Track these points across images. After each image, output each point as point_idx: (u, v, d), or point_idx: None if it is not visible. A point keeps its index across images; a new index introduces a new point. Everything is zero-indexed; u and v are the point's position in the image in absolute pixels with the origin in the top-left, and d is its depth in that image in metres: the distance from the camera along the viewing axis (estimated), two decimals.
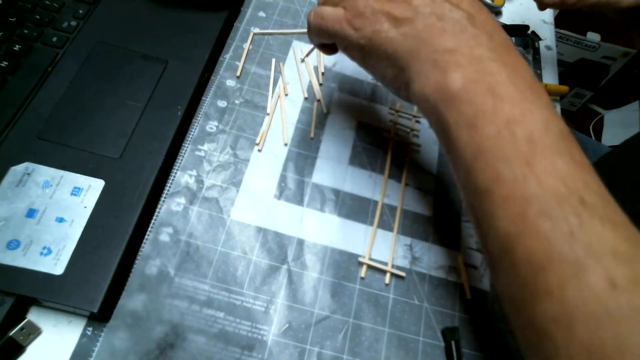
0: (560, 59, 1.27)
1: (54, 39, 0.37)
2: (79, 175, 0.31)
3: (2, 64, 0.34)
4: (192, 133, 0.36)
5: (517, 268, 0.20)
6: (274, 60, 0.42)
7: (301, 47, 0.43)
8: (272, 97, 0.40)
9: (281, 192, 0.36)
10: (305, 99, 0.41)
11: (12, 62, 0.35)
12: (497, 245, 0.21)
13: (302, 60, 0.43)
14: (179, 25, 0.40)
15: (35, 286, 0.27)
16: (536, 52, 0.52)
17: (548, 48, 0.54)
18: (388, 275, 0.34)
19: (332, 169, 0.37)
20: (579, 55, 1.27)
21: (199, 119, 0.37)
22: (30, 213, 0.29)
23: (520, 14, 0.54)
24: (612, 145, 1.33)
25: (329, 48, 0.31)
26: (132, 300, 0.29)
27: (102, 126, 0.33)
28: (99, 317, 0.28)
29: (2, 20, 0.36)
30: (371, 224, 0.36)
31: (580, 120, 1.45)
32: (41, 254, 0.28)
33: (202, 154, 0.36)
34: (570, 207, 0.19)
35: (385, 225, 0.36)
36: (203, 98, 0.38)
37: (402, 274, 0.34)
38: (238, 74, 0.40)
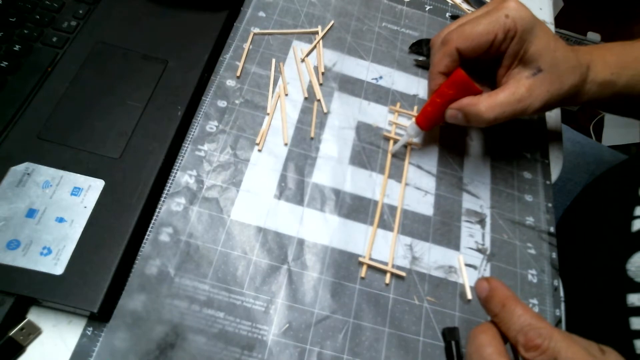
0: None
1: (54, 39, 0.37)
2: (79, 175, 0.31)
3: (2, 64, 0.34)
4: (192, 133, 0.36)
5: None
6: (274, 60, 0.42)
7: (301, 47, 0.43)
8: (272, 97, 0.40)
9: (281, 192, 0.36)
10: (306, 98, 0.41)
11: (12, 62, 0.35)
12: None
13: (302, 60, 0.43)
14: (179, 25, 0.40)
15: (35, 286, 0.27)
16: None
17: None
18: (388, 275, 0.34)
19: (332, 169, 0.37)
20: None
21: (199, 119, 0.37)
22: (30, 213, 0.29)
23: None
24: (612, 145, 1.33)
25: None
26: (132, 300, 0.29)
27: (102, 126, 0.33)
28: (99, 317, 0.28)
29: (2, 20, 0.36)
30: (371, 223, 0.36)
31: (581, 120, 1.45)
32: (41, 254, 0.28)
33: (202, 154, 0.36)
34: None
35: (385, 225, 0.36)
36: (203, 98, 0.38)
37: (403, 273, 0.34)
38: (238, 74, 0.40)
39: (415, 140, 0.41)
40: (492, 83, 0.37)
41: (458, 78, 0.34)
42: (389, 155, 0.39)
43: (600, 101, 0.38)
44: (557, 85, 0.34)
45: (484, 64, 0.37)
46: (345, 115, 0.41)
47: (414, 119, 0.38)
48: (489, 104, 0.34)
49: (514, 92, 0.34)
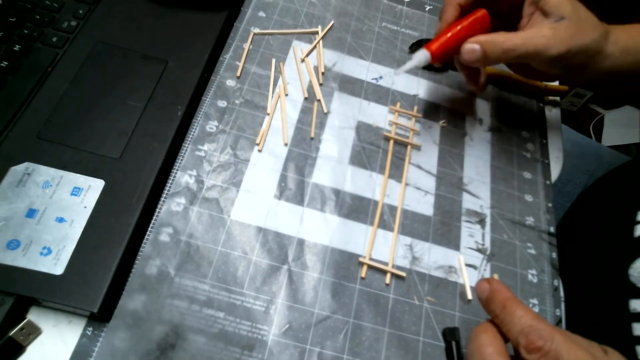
0: None
1: (54, 39, 0.37)
2: (79, 175, 0.31)
3: (2, 64, 0.34)
4: (192, 133, 0.36)
5: None
6: (274, 60, 0.42)
7: (301, 47, 0.43)
8: (272, 97, 0.40)
9: (281, 192, 0.36)
10: (306, 98, 0.41)
11: (12, 62, 0.35)
12: None
13: (302, 60, 0.43)
14: (179, 25, 0.40)
15: (35, 286, 0.27)
16: None
17: None
18: (389, 275, 0.34)
19: (332, 169, 0.37)
20: None
21: (199, 119, 0.37)
22: (30, 213, 0.29)
23: None
24: (611, 145, 1.33)
25: None
26: (132, 301, 0.29)
27: (102, 126, 0.33)
28: (99, 317, 0.28)
29: (2, 20, 0.36)
30: (371, 224, 0.36)
31: (581, 120, 1.45)
32: (41, 254, 0.28)
33: (202, 154, 0.36)
34: None
35: (385, 225, 0.36)
36: (203, 98, 0.38)
37: (403, 274, 0.34)
38: (238, 74, 0.40)
39: (416, 140, 0.41)
40: None
41: (482, 18, 0.34)
42: (389, 155, 0.39)
43: (624, 71, 0.37)
44: (579, 35, 0.34)
45: (505, 21, 0.36)
46: (345, 115, 0.41)
47: (424, 48, 0.35)
48: (510, 37, 0.33)
49: (538, 31, 0.33)
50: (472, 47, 0.34)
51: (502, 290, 0.27)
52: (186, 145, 0.36)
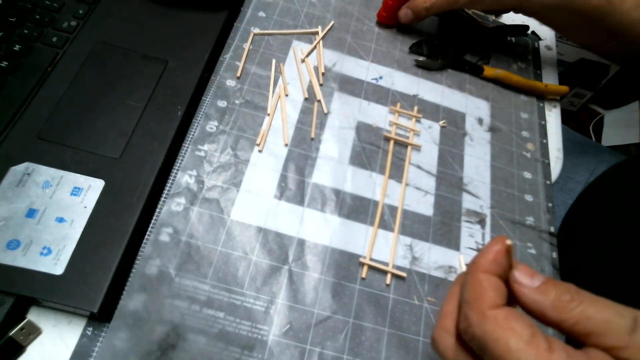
0: (560, 59, 1.27)
1: (54, 39, 0.37)
2: (79, 175, 0.31)
3: (2, 64, 0.34)
4: (192, 133, 0.36)
5: None
6: (274, 61, 0.42)
7: (301, 47, 0.43)
8: (272, 97, 0.40)
9: (282, 193, 0.36)
10: (306, 99, 0.41)
11: (12, 62, 0.35)
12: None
13: (302, 61, 0.43)
14: (179, 25, 0.40)
15: (35, 286, 0.27)
16: (536, 52, 0.52)
17: (548, 48, 0.54)
18: (389, 275, 0.34)
19: (333, 169, 0.37)
20: (579, 55, 1.27)
21: (199, 119, 0.37)
22: (30, 213, 0.29)
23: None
24: (611, 145, 1.33)
25: None
26: (132, 301, 0.29)
27: (102, 126, 0.33)
28: (99, 317, 0.28)
29: (2, 20, 0.36)
30: (372, 224, 0.36)
31: (581, 120, 1.45)
32: (41, 254, 0.28)
33: (203, 154, 0.36)
34: None
35: (385, 225, 0.36)
36: (203, 98, 0.38)
37: (403, 274, 0.34)
38: (238, 74, 0.40)
39: (416, 140, 0.41)
40: None
41: None
42: (389, 156, 0.39)
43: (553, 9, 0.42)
44: None
45: None
46: (345, 115, 0.41)
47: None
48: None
49: None
50: (405, 11, 0.45)
51: (476, 262, 0.22)
52: (186, 145, 0.36)
